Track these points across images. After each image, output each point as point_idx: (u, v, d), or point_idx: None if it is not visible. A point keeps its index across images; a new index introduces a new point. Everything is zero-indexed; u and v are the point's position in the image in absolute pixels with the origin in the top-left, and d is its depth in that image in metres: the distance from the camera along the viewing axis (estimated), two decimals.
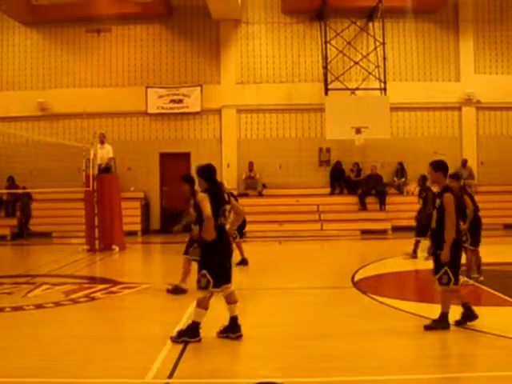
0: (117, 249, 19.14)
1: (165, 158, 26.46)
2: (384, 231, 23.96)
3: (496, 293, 11.34)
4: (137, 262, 18.96)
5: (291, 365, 7.12)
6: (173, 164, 26.40)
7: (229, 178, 25.82)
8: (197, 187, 12.61)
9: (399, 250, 18.26)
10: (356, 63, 25.62)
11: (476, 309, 8.79)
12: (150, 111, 26.23)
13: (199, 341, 7.91)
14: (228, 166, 26.08)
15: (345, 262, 16.22)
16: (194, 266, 9.52)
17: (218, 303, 8.38)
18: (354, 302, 10.92)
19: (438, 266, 8.55)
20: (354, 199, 25.41)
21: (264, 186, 25.63)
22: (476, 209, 12.23)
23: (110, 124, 26.03)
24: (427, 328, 8.47)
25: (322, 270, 15.38)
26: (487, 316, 9.34)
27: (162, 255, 21.29)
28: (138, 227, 24.80)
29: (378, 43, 25.25)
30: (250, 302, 11.03)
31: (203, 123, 26.47)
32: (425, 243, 16.31)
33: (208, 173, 8.39)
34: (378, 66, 25.17)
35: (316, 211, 24.70)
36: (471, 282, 11.97)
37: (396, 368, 6.95)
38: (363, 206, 25.17)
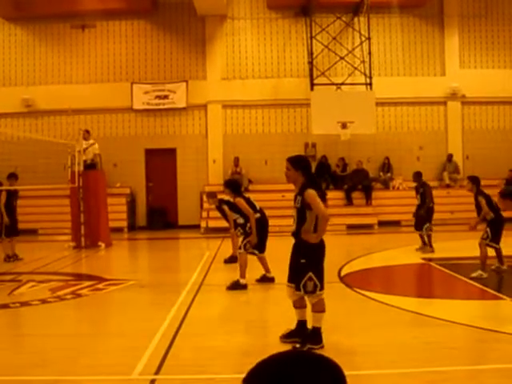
0: (103, 245, 19.09)
1: (151, 154, 26.40)
2: (370, 226, 24.00)
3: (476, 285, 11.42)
4: (123, 259, 18.92)
5: None
6: (159, 160, 26.37)
7: (215, 174, 25.86)
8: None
9: (386, 245, 18.37)
10: (341, 58, 25.66)
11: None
12: (135, 107, 26.15)
13: (322, 347, 7.33)
14: (214, 161, 26.08)
15: (331, 257, 16.10)
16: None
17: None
18: (341, 297, 10.93)
19: None
20: (340, 194, 25.44)
21: (250, 181, 25.63)
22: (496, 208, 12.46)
23: (95, 120, 25.94)
24: None
25: None
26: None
27: (149, 252, 21.26)
28: (124, 224, 24.76)
29: (363, 38, 25.29)
30: (237, 298, 11.04)
31: (189, 119, 26.42)
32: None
33: (306, 162, 7.70)
34: (363, 61, 25.22)
35: None
36: (485, 275, 12.05)
37: (380, 362, 6.98)
38: (349, 201, 25.21)
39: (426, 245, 16.63)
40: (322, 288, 7.46)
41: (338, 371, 1.74)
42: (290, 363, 1.71)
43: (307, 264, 7.43)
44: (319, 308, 7.49)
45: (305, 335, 7.58)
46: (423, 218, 16.59)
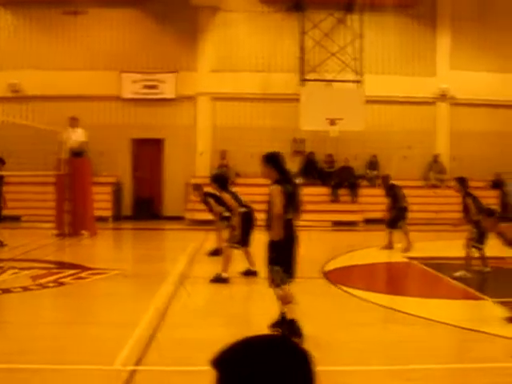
0: (87, 234, 19.00)
1: (138, 143, 26.28)
2: (356, 223, 24.05)
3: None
4: (107, 248, 18.87)
5: None
6: (146, 150, 26.28)
7: (202, 166, 25.80)
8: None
9: (370, 243, 18.39)
10: (333, 55, 25.63)
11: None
12: (123, 96, 26.00)
13: (300, 338, 7.32)
14: (201, 153, 26.00)
15: (315, 253, 16.24)
16: None
17: None
18: (324, 293, 10.96)
19: None
20: (326, 190, 25.45)
21: (237, 174, 25.57)
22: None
23: (83, 108, 25.68)
24: (509, 320, 8.46)
25: None
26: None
27: (133, 241, 21.22)
28: (109, 213, 24.61)
29: (355, 36, 25.27)
30: (220, 291, 11.03)
31: (177, 110, 26.31)
32: (398, 234, 16.57)
33: (277, 159, 7.89)
34: (354, 59, 25.20)
35: None
36: (469, 275, 12.15)
37: (359, 359, 7.00)
38: (336, 198, 25.24)
39: (392, 243, 16.72)
40: (287, 281, 7.58)
41: (306, 356, 1.76)
42: (259, 347, 1.74)
43: (273, 258, 7.59)
44: (287, 300, 7.61)
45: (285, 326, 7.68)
46: (397, 216, 16.63)
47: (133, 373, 6.25)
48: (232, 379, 1.71)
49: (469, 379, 6.44)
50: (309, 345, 7.40)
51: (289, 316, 7.60)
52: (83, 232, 18.93)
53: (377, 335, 8.14)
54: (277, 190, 7.52)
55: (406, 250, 16.09)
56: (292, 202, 7.67)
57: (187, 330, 8.00)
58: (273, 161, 7.84)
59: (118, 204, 25.76)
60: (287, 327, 7.53)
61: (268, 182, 7.93)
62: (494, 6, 26.64)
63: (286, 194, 7.53)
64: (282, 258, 7.58)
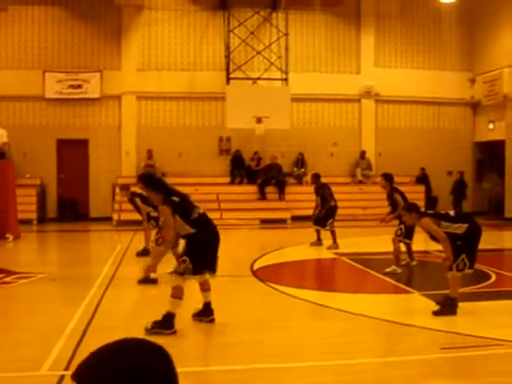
0: (11, 237, 18.54)
1: (62, 144, 25.77)
2: (283, 221, 24.18)
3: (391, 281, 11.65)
4: (32, 251, 18.44)
5: (189, 354, 7.10)
6: (70, 151, 25.80)
7: (127, 166, 25.50)
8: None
9: (299, 240, 18.51)
10: (258, 53, 25.70)
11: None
12: (47, 96, 25.45)
13: (174, 333, 7.68)
14: (127, 153, 25.70)
15: (244, 251, 16.29)
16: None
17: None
18: (253, 291, 10.98)
19: (456, 253, 8.65)
20: (253, 188, 25.52)
21: (163, 174, 25.33)
22: None
23: (4, 108, 25.10)
24: (436, 313, 8.58)
25: (221, 259, 15.26)
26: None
27: (59, 244, 20.82)
28: (34, 215, 24.09)
29: (280, 34, 25.40)
30: (149, 292, 10.93)
31: (102, 110, 25.93)
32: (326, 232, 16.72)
33: (153, 181, 8.67)
34: (280, 57, 25.34)
35: (216, 200, 24.63)
36: (399, 270, 12.34)
37: (292, 355, 7.03)
38: (263, 196, 25.32)
39: (321, 240, 16.88)
40: (192, 274, 7.98)
41: (165, 356, 1.78)
42: (116, 353, 1.77)
43: (185, 249, 8.12)
44: (177, 294, 7.90)
45: (209, 313, 8.31)
46: (327, 214, 16.73)
47: (61, 378, 6.12)
48: None
49: (400, 371, 6.54)
50: (240, 342, 7.41)
51: (170, 308, 7.85)
52: (8, 235, 18.47)
53: (307, 331, 8.20)
54: (166, 210, 8.09)
55: (333, 248, 16.22)
56: (186, 205, 8.23)
57: (115, 333, 7.84)
58: (152, 184, 8.54)
59: (42, 206, 25.25)
60: (162, 320, 7.76)
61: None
62: (416, 4, 27.22)
63: (175, 205, 8.07)
64: (192, 252, 8.00)
